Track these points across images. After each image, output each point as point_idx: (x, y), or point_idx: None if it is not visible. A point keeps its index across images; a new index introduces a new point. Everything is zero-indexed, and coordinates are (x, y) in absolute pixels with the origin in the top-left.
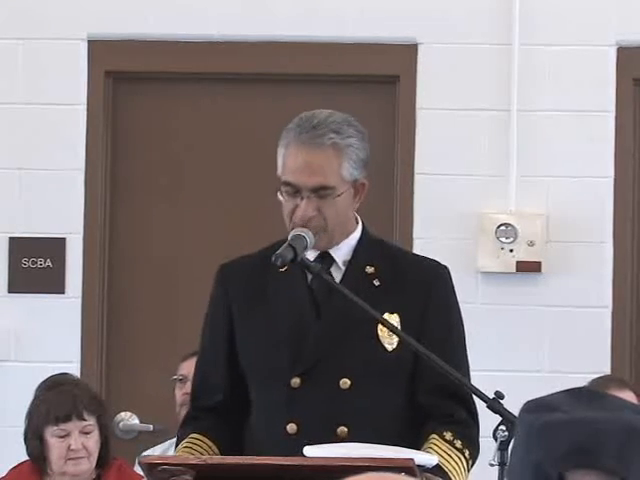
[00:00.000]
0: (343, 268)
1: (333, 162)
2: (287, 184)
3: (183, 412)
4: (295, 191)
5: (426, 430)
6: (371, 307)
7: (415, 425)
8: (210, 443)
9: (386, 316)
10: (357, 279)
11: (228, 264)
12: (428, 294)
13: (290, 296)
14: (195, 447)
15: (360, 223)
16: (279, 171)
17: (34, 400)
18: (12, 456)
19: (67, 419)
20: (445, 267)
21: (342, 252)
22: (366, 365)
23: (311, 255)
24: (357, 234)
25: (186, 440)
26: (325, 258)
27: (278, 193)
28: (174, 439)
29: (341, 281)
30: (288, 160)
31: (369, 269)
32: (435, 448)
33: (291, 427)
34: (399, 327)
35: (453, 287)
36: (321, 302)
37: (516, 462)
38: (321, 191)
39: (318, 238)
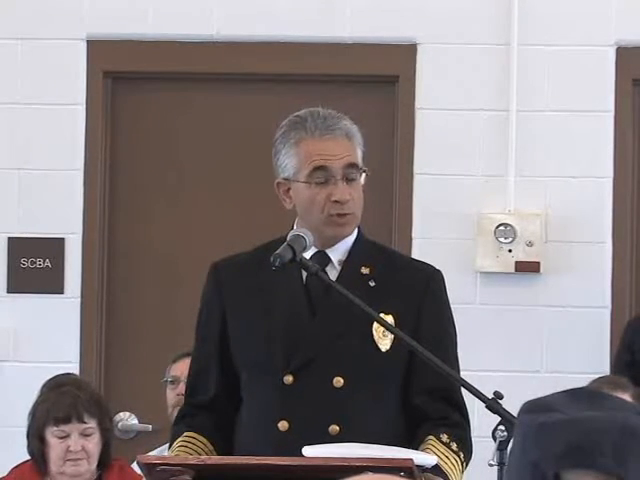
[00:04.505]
0: (339, 268)
1: (350, 146)
2: (318, 169)
3: (175, 414)
4: (326, 177)
5: (421, 432)
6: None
7: (408, 426)
8: (205, 441)
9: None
10: (353, 279)
11: (221, 262)
12: (422, 297)
13: (285, 294)
14: (190, 445)
15: None
16: (290, 171)
17: (37, 399)
18: (12, 456)
19: (67, 420)
20: (439, 270)
21: (338, 252)
22: (360, 365)
23: (308, 253)
24: (353, 235)
25: (181, 438)
26: (321, 257)
27: (289, 192)
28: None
29: (337, 281)
30: (309, 150)
31: (364, 270)
32: (433, 449)
33: (282, 424)
34: None
35: (446, 290)
36: (316, 301)
37: (514, 462)
38: (351, 169)
39: (348, 226)
